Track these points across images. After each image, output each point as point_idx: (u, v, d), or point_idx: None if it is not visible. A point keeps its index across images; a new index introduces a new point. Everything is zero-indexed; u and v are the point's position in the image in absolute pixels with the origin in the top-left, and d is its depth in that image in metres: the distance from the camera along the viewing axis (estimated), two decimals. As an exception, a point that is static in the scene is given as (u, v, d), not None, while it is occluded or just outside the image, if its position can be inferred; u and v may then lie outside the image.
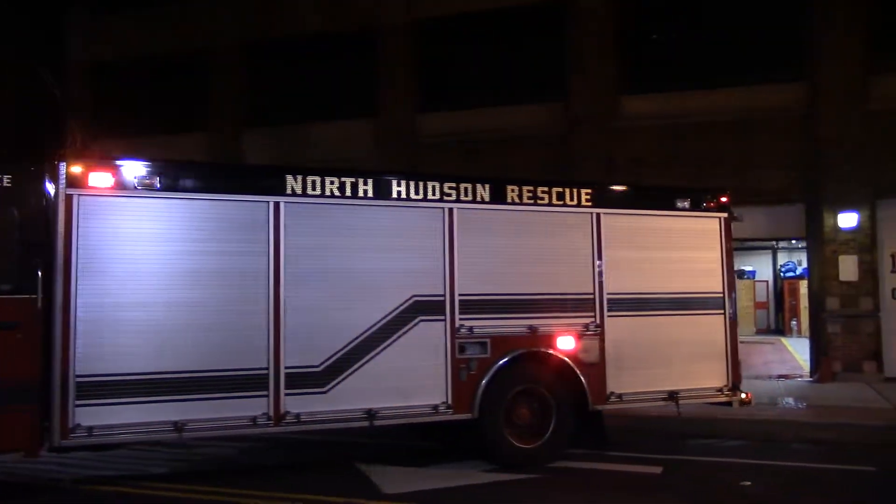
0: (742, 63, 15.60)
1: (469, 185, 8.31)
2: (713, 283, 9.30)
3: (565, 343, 8.54)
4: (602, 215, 8.84)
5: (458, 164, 16.20)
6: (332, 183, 7.76)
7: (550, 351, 8.47)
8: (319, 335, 7.59)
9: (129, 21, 19.86)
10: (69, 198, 6.78)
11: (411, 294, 7.97)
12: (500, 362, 8.23)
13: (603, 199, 8.92)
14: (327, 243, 7.72)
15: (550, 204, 8.66)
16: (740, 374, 9.50)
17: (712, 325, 9.27)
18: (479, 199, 8.35)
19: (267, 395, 7.37)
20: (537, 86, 16.90)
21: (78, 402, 6.76)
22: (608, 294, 8.79)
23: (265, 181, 7.54)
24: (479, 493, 7.43)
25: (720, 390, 9.25)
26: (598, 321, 8.71)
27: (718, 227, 9.40)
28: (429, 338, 8.00)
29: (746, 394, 9.40)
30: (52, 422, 6.67)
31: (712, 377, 9.22)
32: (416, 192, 8.10)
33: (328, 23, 18.01)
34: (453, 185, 8.24)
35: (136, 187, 7.02)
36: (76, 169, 6.81)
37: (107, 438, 6.92)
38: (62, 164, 6.77)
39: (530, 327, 8.40)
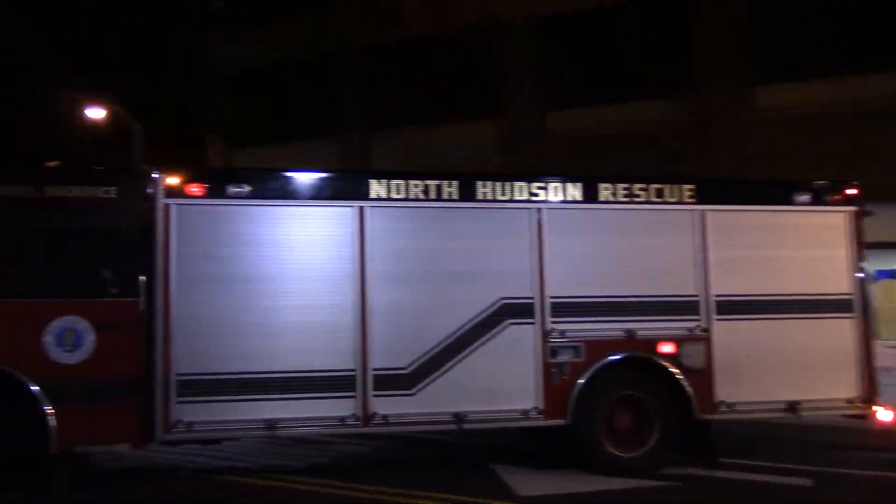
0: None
1: (559, 185, 8.07)
2: (839, 283, 8.47)
3: (666, 347, 8.08)
4: (707, 212, 8.30)
5: (586, 162, 15.78)
6: (416, 186, 7.79)
7: (650, 356, 8.04)
8: (407, 338, 7.63)
9: (260, 32, 20.93)
10: (167, 207, 7.23)
11: (499, 296, 7.84)
12: (595, 367, 7.91)
13: (708, 195, 8.36)
14: (413, 246, 7.74)
15: (648, 202, 8.24)
16: (877, 385, 8.57)
17: (838, 330, 8.43)
18: (570, 198, 8.09)
19: (355, 396, 7.50)
20: (665, 80, 16.22)
21: (178, 399, 7.18)
22: (716, 296, 8.23)
23: (350, 187, 7.69)
24: (617, 499, 7.18)
25: (850, 401, 8.40)
26: (704, 325, 8.18)
27: (845, 222, 8.56)
28: (518, 341, 7.83)
29: (885, 406, 8.49)
30: (154, 417, 7.13)
31: (839, 387, 8.38)
32: (503, 193, 7.96)
33: (449, 24, 18.19)
34: (542, 185, 8.04)
35: (228, 195, 7.37)
36: (172, 180, 7.25)
37: (205, 434, 7.32)
38: (160, 175, 7.23)
39: (628, 331, 8.01)
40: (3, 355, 6.88)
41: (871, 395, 8.43)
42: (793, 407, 8.21)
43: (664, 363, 8.04)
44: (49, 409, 6.90)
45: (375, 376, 7.53)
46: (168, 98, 21.38)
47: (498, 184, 7.97)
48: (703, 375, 8.11)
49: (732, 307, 8.26)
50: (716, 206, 8.34)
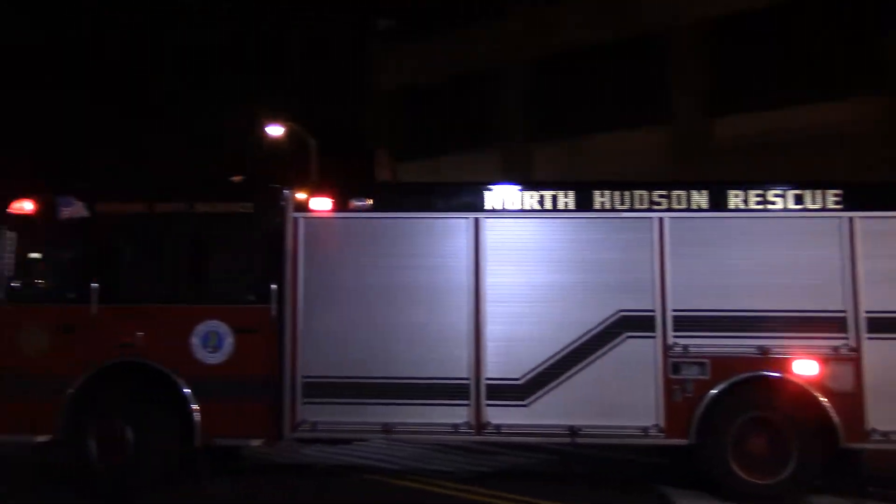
0: None
1: (682, 193, 7.70)
2: None
3: (806, 367, 7.43)
4: (856, 219, 7.54)
5: (758, 167, 14.84)
6: (531, 197, 7.78)
7: (787, 376, 7.43)
8: (520, 348, 7.63)
9: (427, 48, 21.59)
10: (295, 220, 7.78)
11: (617, 309, 7.62)
12: (722, 386, 7.44)
13: (857, 201, 7.60)
14: (528, 257, 7.74)
15: (786, 209, 7.64)
16: None
17: None
18: (694, 206, 7.70)
19: (469, 405, 7.61)
20: (846, 79, 14.83)
21: (304, 400, 7.69)
22: (867, 312, 7.45)
23: (464, 198, 7.83)
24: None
25: None
26: (852, 343, 7.43)
27: None
28: (637, 355, 7.55)
29: None
30: (283, 416, 7.67)
31: None
32: (622, 202, 7.73)
33: (613, 31, 17.84)
34: (664, 192, 7.71)
35: (351, 209, 7.80)
36: (300, 195, 7.79)
37: (327, 434, 7.77)
38: (289, 190, 7.81)
39: (760, 348, 7.46)
40: (158, 354, 7.72)
41: None
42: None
43: (803, 384, 7.40)
44: (195, 406, 7.65)
45: (488, 386, 7.61)
46: (340, 114, 22.77)
47: (616, 192, 7.75)
48: (850, 399, 7.35)
49: (888, 325, 7.44)
50: (867, 212, 7.56)
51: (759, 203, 7.66)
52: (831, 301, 7.49)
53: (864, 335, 7.43)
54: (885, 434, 7.32)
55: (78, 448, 7.70)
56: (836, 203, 7.61)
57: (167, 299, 7.84)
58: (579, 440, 7.53)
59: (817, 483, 7.64)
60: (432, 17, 21.37)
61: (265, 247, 7.86)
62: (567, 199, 7.77)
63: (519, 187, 7.85)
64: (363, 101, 22.27)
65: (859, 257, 7.49)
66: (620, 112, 17.86)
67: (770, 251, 7.58)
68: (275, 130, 23.03)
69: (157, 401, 7.71)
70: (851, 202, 7.59)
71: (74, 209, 7.94)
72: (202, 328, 7.77)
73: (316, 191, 7.85)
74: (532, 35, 19.45)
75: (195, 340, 7.74)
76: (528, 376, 7.60)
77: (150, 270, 7.94)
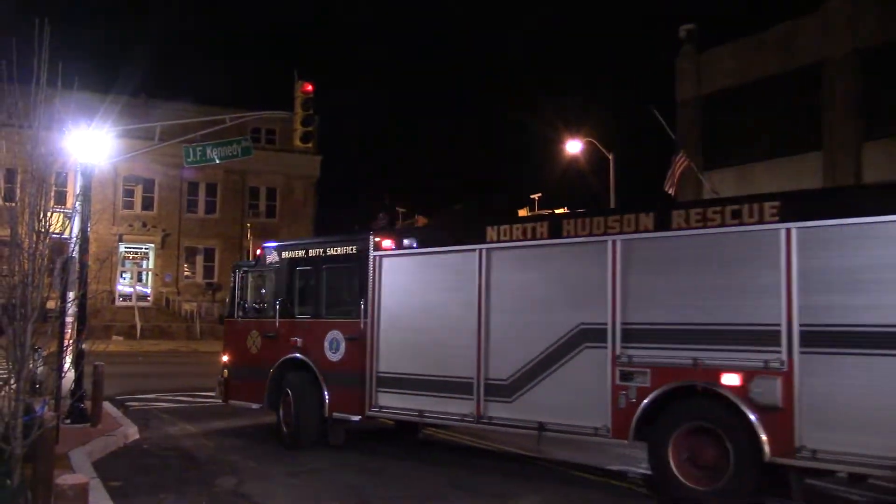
0: None
1: (631, 216, 8.43)
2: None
3: (731, 379, 7.51)
4: (793, 230, 7.36)
5: None
6: (517, 229, 9.36)
7: (713, 387, 7.59)
8: (508, 354, 9.22)
9: (733, 49, 21.01)
10: (375, 258, 10.70)
11: (578, 322, 8.68)
12: (656, 394, 7.96)
13: (795, 210, 7.44)
14: (516, 279, 9.33)
15: (723, 224, 7.82)
16: None
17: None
18: (642, 228, 8.36)
19: (473, 399, 9.46)
20: None
21: (378, 389, 10.48)
22: (801, 325, 7.23)
23: (473, 233, 9.81)
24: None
25: None
26: (783, 357, 7.27)
27: None
28: (593, 363, 8.48)
29: None
30: (366, 399, 10.58)
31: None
32: (584, 229, 8.80)
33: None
34: (616, 217, 8.56)
35: (403, 247, 10.42)
36: (376, 238, 10.71)
37: (385, 416, 10.51)
38: (371, 234, 10.84)
39: (694, 359, 7.77)
40: (308, 352, 11.31)
41: None
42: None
43: (730, 395, 7.51)
44: (325, 390, 11.02)
45: (486, 385, 9.38)
46: (639, 124, 23.53)
47: (580, 220, 8.87)
48: (780, 414, 7.22)
49: (824, 338, 7.12)
50: (804, 221, 7.33)
51: (698, 221, 7.99)
52: (764, 314, 7.45)
53: (798, 349, 7.23)
54: (814, 452, 7.00)
55: (277, 412, 11.64)
56: (773, 215, 7.52)
57: (313, 315, 11.46)
58: (546, 434, 8.76)
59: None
60: (735, 20, 21.17)
61: (361, 277, 10.92)
62: (542, 229, 9.16)
63: (510, 221, 9.54)
64: (666, 110, 22.25)
65: (794, 268, 7.32)
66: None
67: (710, 266, 7.86)
68: (573, 147, 24.98)
69: (311, 384, 11.28)
70: (789, 212, 7.43)
71: (272, 257, 12.15)
72: (329, 336, 11.17)
73: (384, 235, 10.70)
74: (855, 28, 18.05)
75: (326, 344, 11.17)
76: (513, 378, 9.12)
77: (305, 296, 11.70)
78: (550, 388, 8.80)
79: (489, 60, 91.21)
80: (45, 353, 8.58)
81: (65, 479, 5.37)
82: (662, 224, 8.23)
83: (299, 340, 11.43)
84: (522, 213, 28.94)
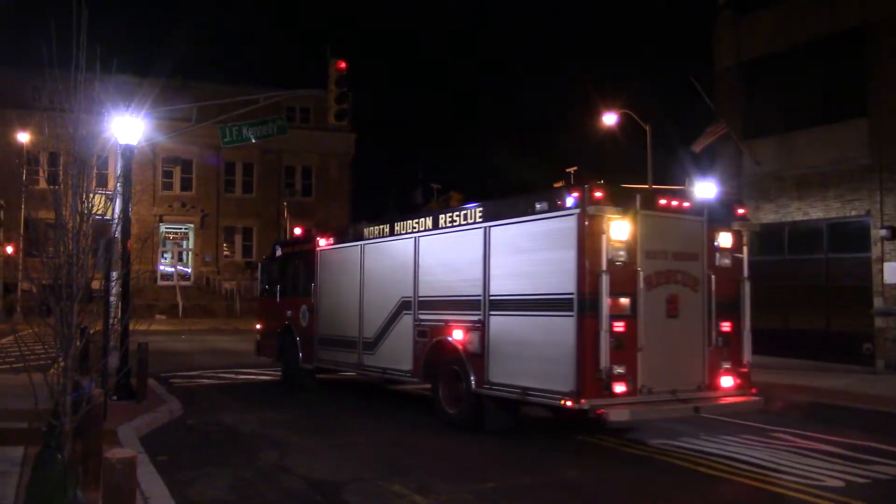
0: None
1: (421, 218, 11.93)
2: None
3: (458, 335, 10.83)
4: (491, 228, 10.36)
5: None
6: (377, 230, 13.19)
7: (453, 340, 10.90)
8: (374, 317, 12.92)
9: (776, 12, 20.40)
10: (318, 252, 14.72)
11: (401, 296, 12.11)
12: (429, 345, 11.42)
13: (490, 214, 10.52)
14: (376, 266, 13.14)
15: (458, 224, 11.09)
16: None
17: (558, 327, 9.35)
18: (425, 228, 11.72)
19: (357, 352, 13.42)
20: None
21: (318, 347, 14.55)
22: (490, 295, 10.35)
23: (360, 232, 13.38)
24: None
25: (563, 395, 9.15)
26: (482, 318, 10.41)
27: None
28: (407, 325, 11.95)
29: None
30: (313, 355, 14.67)
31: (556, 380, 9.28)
32: (403, 229, 12.22)
33: None
34: (416, 219, 11.97)
35: (330, 244, 14.37)
36: (318, 237, 14.80)
37: (324, 366, 14.64)
38: (315, 235, 15.10)
39: (444, 321, 11.11)
40: (293, 322, 15.42)
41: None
42: (525, 393, 9.66)
43: (457, 346, 10.81)
44: (300, 348, 15.13)
45: (362, 342, 13.07)
46: (678, 94, 22.97)
47: (400, 223, 12.35)
48: (480, 358, 10.41)
49: (502, 304, 10.19)
50: (493, 222, 10.35)
51: (450, 222, 11.18)
52: (476, 288, 10.56)
53: (489, 312, 10.36)
54: (492, 385, 10.21)
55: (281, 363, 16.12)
56: (480, 217, 10.61)
57: (292, 294, 15.70)
58: (385, 376, 12.73)
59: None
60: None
61: (312, 266, 14.89)
62: (385, 228, 12.77)
63: (375, 223, 13.16)
64: (704, 79, 21.55)
65: (491, 256, 10.36)
66: None
67: (457, 255, 10.99)
68: (609, 119, 24.61)
69: (295, 344, 15.38)
70: (488, 215, 10.46)
71: (277, 251, 16.56)
72: (302, 308, 15.15)
73: (320, 234, 14.84)
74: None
75: (299, 314, 15.24)
76: (374, 335, 12.75)
77: (293, 280, 15.77)
78: (389, 344, 12.41)
79: (523, 33, 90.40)
80: (90, 332, 8.86)
81: (113, 454, 5.48)
82: (436, 225, 11.50)
83: (289, 312, 15.70)
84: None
